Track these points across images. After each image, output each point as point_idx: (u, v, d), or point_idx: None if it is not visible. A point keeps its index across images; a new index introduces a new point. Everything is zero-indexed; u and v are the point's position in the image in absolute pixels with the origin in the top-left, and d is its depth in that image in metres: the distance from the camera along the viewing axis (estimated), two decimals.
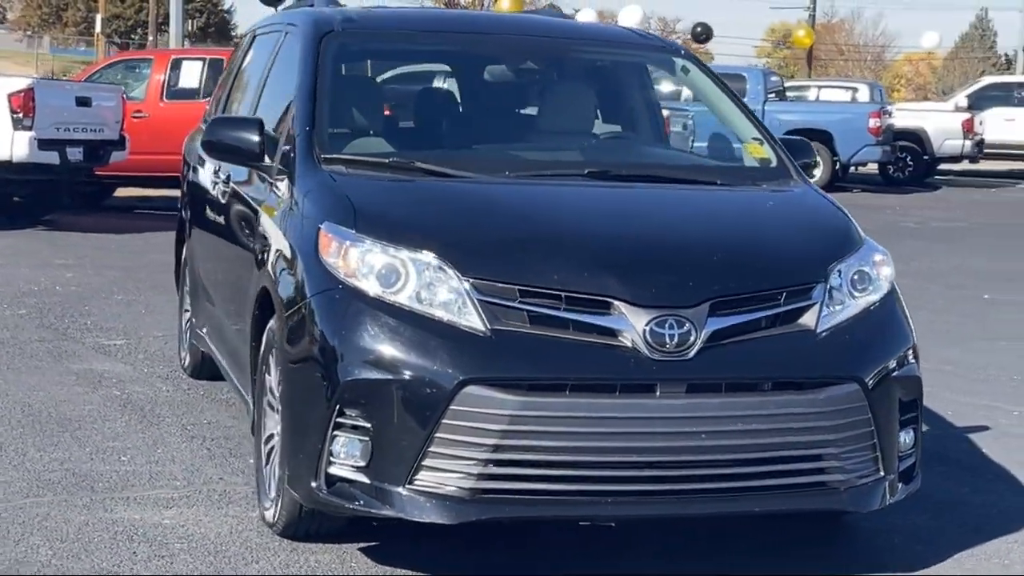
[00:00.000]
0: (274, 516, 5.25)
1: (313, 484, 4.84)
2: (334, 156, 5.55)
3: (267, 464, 5.45)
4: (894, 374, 5.01)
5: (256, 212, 5.89)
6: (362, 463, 4.76)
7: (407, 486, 4.69)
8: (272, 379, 5.39)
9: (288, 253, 5.25)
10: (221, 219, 6.72)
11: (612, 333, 4.73)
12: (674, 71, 6.67)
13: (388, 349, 4.74)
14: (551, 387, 4.67)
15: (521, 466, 4.67)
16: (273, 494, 5.29)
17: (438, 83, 6.45)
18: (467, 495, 4.66)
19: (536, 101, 6.46)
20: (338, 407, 4.76)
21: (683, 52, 6.65)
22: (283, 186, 5.63)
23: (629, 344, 4.71)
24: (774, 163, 5.98)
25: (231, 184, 6.53)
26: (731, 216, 5.45)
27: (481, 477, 4.65)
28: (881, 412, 4.94)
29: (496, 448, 4.63)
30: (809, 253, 5.16)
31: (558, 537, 5.42)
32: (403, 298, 4.81)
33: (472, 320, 4.73)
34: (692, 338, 4.73)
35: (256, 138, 5.82)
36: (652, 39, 6.96)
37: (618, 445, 4.70)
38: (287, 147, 5.75)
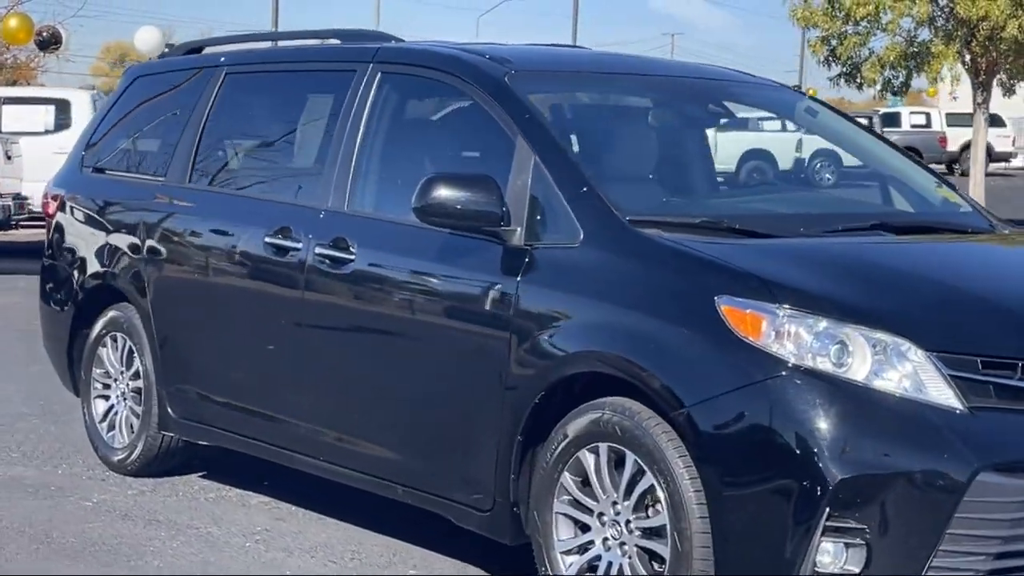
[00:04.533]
0: None
1: None
2: (645, 219, 4.86)
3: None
4: None
5: (496, 287, 5.02)
6: (855, 569, 4.19)
7: None
8: (600, 480, 4.66)
9: (654, 333, 4.53)
10: (344, 299, 5.61)
11: None
12: (794, 113, 6.36)
13: (877, 438, 4.21)
14: None
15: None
16: None
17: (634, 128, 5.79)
18: None
19: (709, 146, 6.01)
20: (827, 510, 4.16)
21: (805, 94, 6.37)
22: (563, 255, 4.87)
23: None
24: (966, 207, 5.85)
25: (369, 250, 5.51)
26: None
27: (992, 573, 4.24)
28: None
29: (1006, 540, 4.24)
30: None
31: None
32: (859, 377, 4.29)
33: (947, 398, 4.28)
34: None
35: (498, 199, 5.00)
36: (769, 81, 6.60)
37: None
38: (532, 211, 4.98)
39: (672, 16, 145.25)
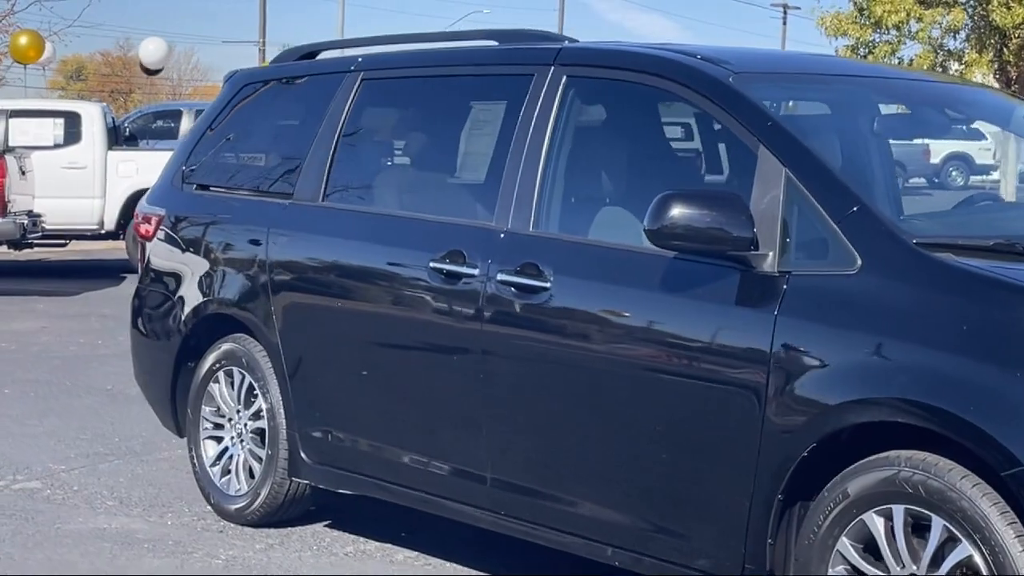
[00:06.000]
0: None
1: None
2: (932, 241, 4.19)
3: None
4: None
5: (747, 321, 4.34)
6: None
7: None
8: (892, 547, 3.98)
9: (970, 377, 3.85)
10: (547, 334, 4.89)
11: None
12: (1011, 120, 5.69)
13: None
14: None
15: None
16: None
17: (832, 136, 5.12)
18: None
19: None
20: None
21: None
22: (833, 284, 4.19)
23: None
24: None
25: (568, 278, 4.82)
26: None
27: None
28: None
29: None
30: None
31: None
32: None
33: None
34: None
35: (747, 220, 4.31)
36: (988, 87, 5.96)
37: None
38: (785, 233, 4.31)
39: (622, 25, 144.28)
